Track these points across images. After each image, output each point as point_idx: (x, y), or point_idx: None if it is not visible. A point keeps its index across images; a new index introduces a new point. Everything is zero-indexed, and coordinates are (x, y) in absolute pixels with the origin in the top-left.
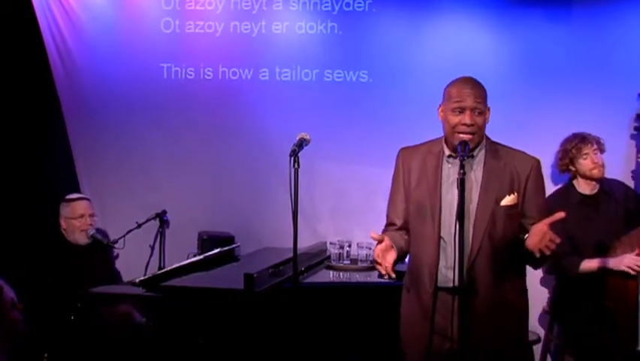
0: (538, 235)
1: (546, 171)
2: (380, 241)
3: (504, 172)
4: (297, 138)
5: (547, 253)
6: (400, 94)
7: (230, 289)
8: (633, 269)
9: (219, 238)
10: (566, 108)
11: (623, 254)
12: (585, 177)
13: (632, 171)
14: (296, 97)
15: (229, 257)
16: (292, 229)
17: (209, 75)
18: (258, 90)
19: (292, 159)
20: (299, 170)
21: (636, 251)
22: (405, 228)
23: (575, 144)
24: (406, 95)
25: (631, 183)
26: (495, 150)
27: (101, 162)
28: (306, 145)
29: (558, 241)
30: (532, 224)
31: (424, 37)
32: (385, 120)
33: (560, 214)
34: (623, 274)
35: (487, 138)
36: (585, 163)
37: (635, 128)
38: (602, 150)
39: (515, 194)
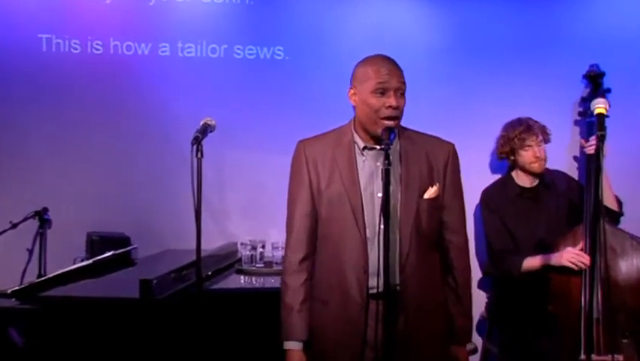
0: None
1: (484, 160)
2: None
3: (422, 161)
4: (201, 124)
5: None
6: (320, 73)
7: (124, 298)
8: (575, 264)
9: (112, 239)
10: (505, 91)
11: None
12: (524, 169)
13: (575, 158)
14: (201, 76)
15: (124, 261)
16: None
17: (98, 49)
18: (156, 68)
19: (195, 147)
20: (203, 160)
21: (579, 245)
22: (312, 253)
23: (518, 133)
24: (327, 74)
25: (575, 173)
26: (409, 136)
27: None
28: (211, 131)
29: None
30: (451, 216)
31: (347, 9)
32: (304, 103)
33: None
34: (566, 274)
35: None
36: (526, 155)
37: (580, 113)
38: (547, 141)
39: (437, 185)
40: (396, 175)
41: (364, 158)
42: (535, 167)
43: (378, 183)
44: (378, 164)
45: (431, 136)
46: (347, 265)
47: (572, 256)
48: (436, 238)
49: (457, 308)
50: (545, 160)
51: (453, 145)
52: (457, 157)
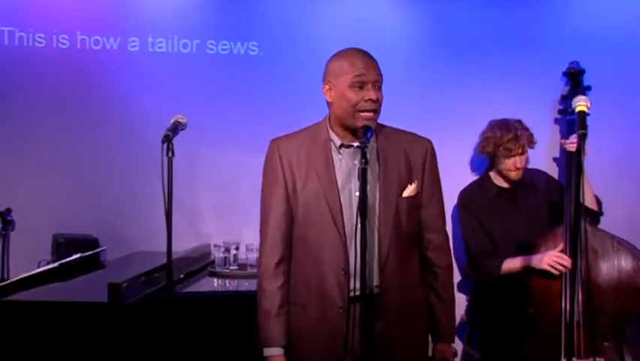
0: None
1: (463, 158)
2: None
3: (400, 159)
4: (171, 122)
5: None
6: (296, 69)
7: (92, 302)
8: (555, 268)
9: (79, 241)
10: (484, 88)
11: (546, 251)
12: (501, 174)
13: (554, 159)
14: (172, 72)
15: (92, 264)
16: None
17: (64, 44)
18: (126, 63)
19: (165, 146)
20: (174, 159)
21: (559, 247)
22: (288, 256)
23: (505, 142)
24: (303, 70)
25: (554, 172)
26: (386, 133)
27: None
28: (182, 129)
29: None
30: (431, 215)
31: (324, 3)
32: (279, 100)
33: None
34: (546, 275)
35: None
36: (508, 163)
37: (559, 112)
38: (531, 148)
39: (416, 182)
40: (375, 173)
41: (341, 156)
42: (513, 175)
43: (356, 182)
44: (356, 162)
45: (408, 133)
46: (326, 268)
47: (552, 259)
48: (416, 237)
49: (440, 308)
50: (523, 169)
51: (431, 142)
52: (435, 154)
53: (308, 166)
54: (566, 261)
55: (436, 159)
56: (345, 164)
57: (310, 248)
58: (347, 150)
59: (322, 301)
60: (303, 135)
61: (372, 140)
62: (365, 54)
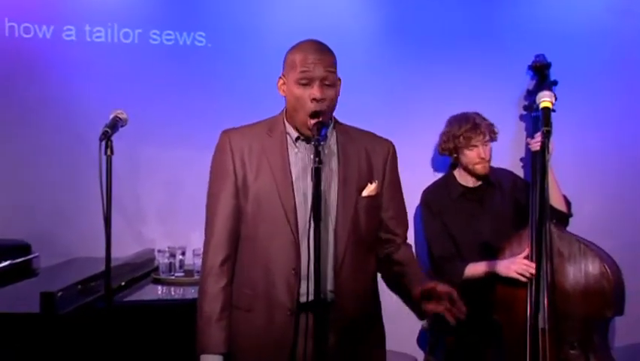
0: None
1: (423, 156)
2: None
3: (361, 157)
4: (110, 117)
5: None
6: (246, 61)
7: (23, 313)
8: (524, 276)
9: (9, 247)
10: (445, 83)
11: (512, 257)
12: (467, 169)
13: (521, 159)
14: (112, 64)
15: (24, 271)
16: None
17: None
18: (60, 54)
19: (104, 143)
20: (113, 158)
21: (524, 252)
22: (234, 255)
23: (464, 131)
24: (254, 62)
25: (520, 172)
26: (345, 131)
27: None
28: (122, 126)
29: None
30: (391, 218)
31: None
32: (228, 94)
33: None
34: (511, 281)
35: (334, 118)
36: (471, 155)
37: (525, 108)
38: (493, 139)
39: (376, 182)
40: (334, 171)
41: (297, 150)
42: (479, 168)
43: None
44: (317, 159)
45: (369, 132)
46: (275, 266)
47: (520, 267)
48: (373, 243)
49: (411, 268)
50: (489, 161)
51: (392, 143)
52: (396, 156)
53: (260, 158)
54: (535, 268)
55: (397, 161)
56: (301, 158)
57: (259, 246)
58: (303, 144)
59: (269, 303)
60: (259, 127)
61: (332, 135)
62: (319, 48)
